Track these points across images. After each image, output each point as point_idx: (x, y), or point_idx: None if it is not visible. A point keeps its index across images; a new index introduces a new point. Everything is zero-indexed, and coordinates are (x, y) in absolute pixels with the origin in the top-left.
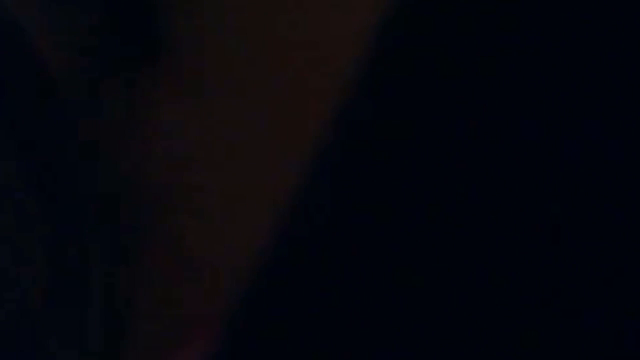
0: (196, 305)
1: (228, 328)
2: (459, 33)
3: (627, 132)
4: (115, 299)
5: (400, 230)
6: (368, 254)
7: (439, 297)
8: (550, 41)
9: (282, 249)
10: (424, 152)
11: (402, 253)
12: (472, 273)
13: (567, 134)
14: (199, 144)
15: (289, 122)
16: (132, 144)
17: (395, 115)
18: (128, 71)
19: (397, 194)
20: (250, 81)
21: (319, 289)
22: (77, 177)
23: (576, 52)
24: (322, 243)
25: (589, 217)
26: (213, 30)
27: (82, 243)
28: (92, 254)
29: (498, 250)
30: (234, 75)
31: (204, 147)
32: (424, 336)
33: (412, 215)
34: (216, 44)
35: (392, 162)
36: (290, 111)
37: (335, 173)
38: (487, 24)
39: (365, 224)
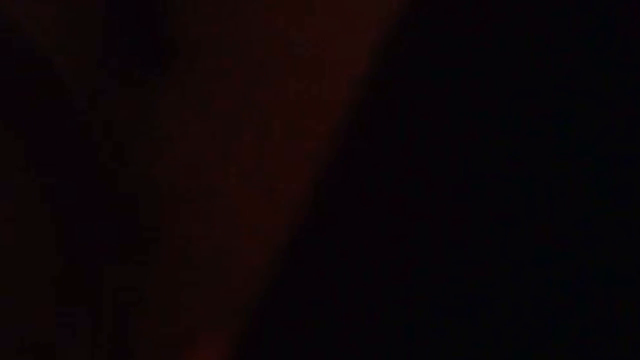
0: (204, 308)
1: (236, 331)
2: (462, 47)
3: (628, 131)
4: (124, 300)
5: (409, 230)
6: (374, 255)
7: (444, 297)
8: (552, 41)
9: (290, 252)
10: (428, 154)
11: (406, 253)
12: (472, 273)
13: (568, 133)
14: (206, 148)
15: (297, 126)
16: (141, 148)
17: (398, 118)
18: (137, 76)
19: (402, 194)
20: (258, 87)
21: (328, 292)
22: (86, 178)
23: (576, 53)
24: (331, 246)
25: (588, 217)
26: (221, 37)
27: (93, 245)
28: (103, 255)
29: (498, 251)
30: (242, 81)
31: (211, 151)
32: (426, 336)
33: (416, 216)
34: (224, 51)
35: (396, 163)
36: (298, 115)
37: (342, 175)
38: (488, 26)
39: (371, 224)
